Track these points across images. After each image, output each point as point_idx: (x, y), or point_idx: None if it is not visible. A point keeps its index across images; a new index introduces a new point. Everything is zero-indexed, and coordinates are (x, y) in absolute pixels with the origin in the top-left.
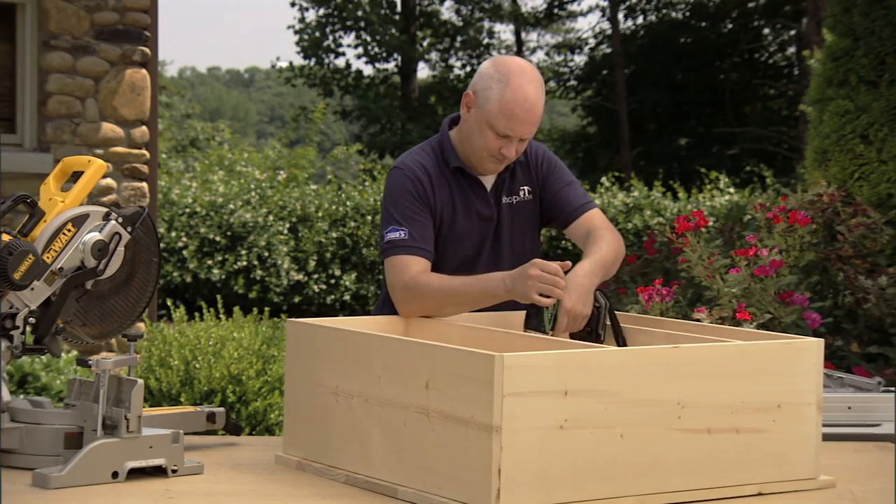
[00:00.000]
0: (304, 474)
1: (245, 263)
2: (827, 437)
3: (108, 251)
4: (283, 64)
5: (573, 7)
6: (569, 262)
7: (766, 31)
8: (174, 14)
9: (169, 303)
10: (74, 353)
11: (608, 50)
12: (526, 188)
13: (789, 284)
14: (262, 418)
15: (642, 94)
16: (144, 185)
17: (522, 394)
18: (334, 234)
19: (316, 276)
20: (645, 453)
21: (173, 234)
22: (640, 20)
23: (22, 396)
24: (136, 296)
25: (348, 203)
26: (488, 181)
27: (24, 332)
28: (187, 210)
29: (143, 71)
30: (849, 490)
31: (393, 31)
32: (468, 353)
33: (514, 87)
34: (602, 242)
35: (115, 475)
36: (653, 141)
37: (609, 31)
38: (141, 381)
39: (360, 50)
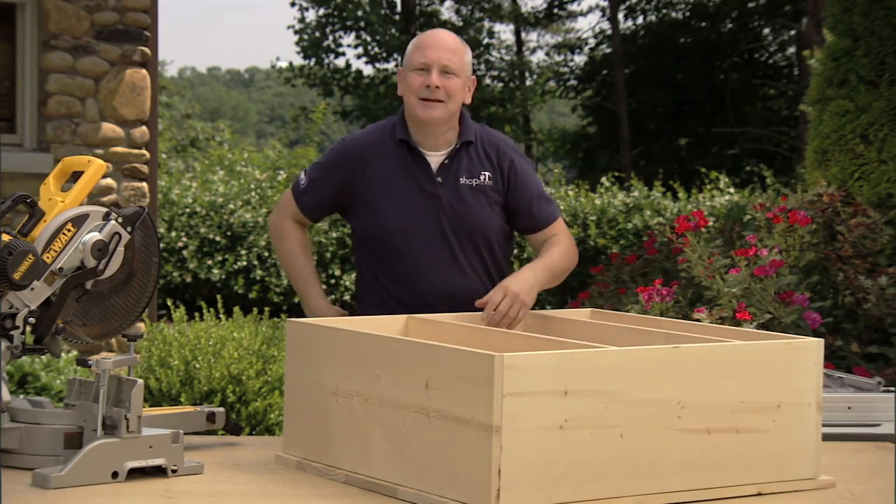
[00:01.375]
0: (304, 474)
1: (245, 263)
2: (827, 437)
3: (108, 251)
4: (283, 64)
5: (573, 7)
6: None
7: (766, 31)
8: (174, 14)
9: (169, 303)
10: (74, 353)
11: (608, 50)
12: (486, 174)
13: (789, 284)
14: (262, 418)
15: (642, 94)
16: (144, 185)
17: (522, 394)
18: (334, 234)
19: None
20: (645, 453)
21: (173, 234)
22: (640, 20)
23: (22, 396)
24: (136, 296)
25: None
26: (435, 159)
27: (24, 332)
28: (187, 210)
29: (143, 71)
30: (849, 490)
31: (393, 31)
32: (468, 353)
33: (423, 33)
34: (554, 249)
35: (115, 475)
36: (653, 141)
37: (609, 31)
38: (141, 381)
39: (360, 50)
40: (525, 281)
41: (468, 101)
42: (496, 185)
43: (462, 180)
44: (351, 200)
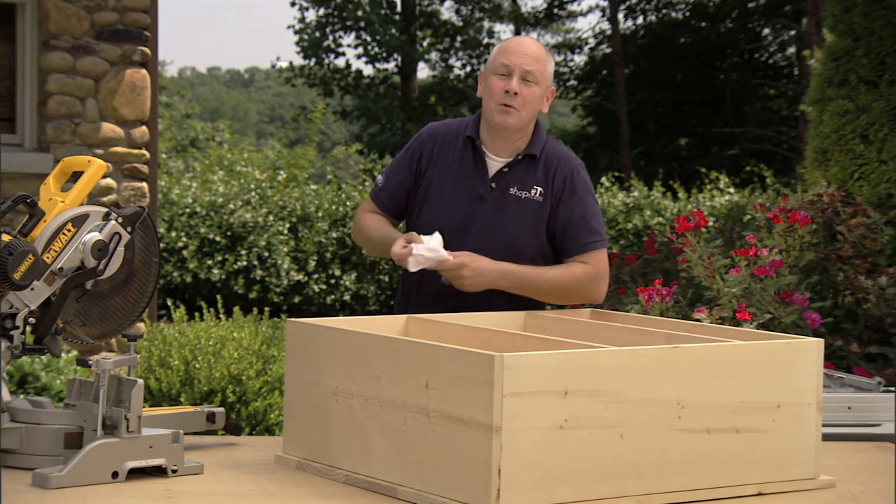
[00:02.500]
0: (304, 474)
1: (245, 263)
2: (827, 437)
3: (108, 251)
4: (283, 64)
5: (573, 7)
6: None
7: (766, 31)
8: (174, 14)
9: (169, 303)
10: (74, 353)
11: (608, 50)
12: (539, 189)
13: (789, 284)
14: (262, 418)
15: (642, 94)
16: (144, 185)
17: (522, 394)
18: (334, 234)
19: (316, 276)
20: (645, 453)
21: (173, 234)
22: (640, 20)
23: (22, 396)
24: (136, 296)
25: (348, 203)
26: (495, 164)
27: (24, 332)
28: (187, 210)
29: (143, 71)
30: (849, 490)
31: (393, 31)
32: (468, 353)
33: (509, 38)
34: (558, 268)
35: (115, 475)
36: (653, 141)
37: (609, 31)
38: (141, 381)
39: (360, 50)
40: (486, 269)
41: (545, 110)
42: (545, 202)
43: (512, 191)
44: (417, 189)
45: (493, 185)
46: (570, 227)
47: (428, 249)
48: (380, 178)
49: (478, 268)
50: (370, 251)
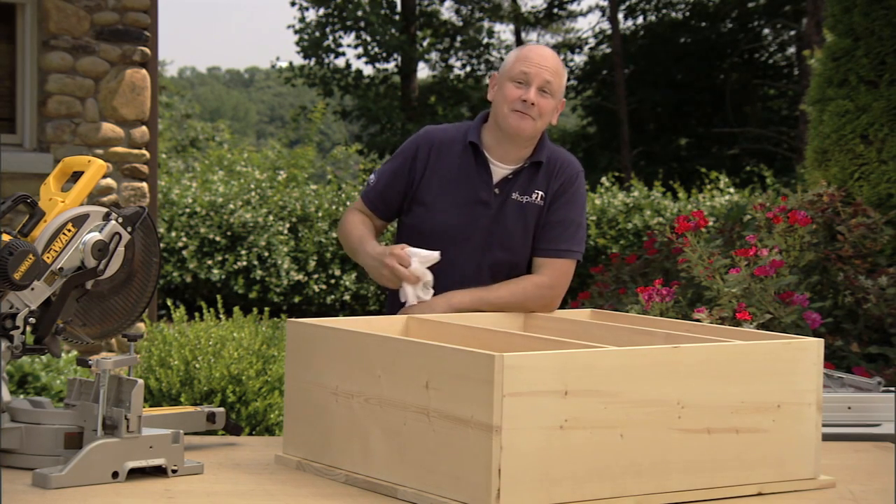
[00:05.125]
0: (304, 474)
1: (245, 263)
2: (827, 437)
3: (108, 251)
4: (283, 64)
5: (573, 7)
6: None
7: (766, 31)
8: (174, 14)
9: (169, 303)
10: (74, 353)
11: (608, 50)
12: (539, 193)
13: (789, 284)
14: (262, 418)
15: (642, 94)
16: (144, 185)
17: (522, 394)
18: (334, 234)
19: (316, 276)
20: (645, 453)
21: (173, 234)
22: (640, 20)
23: (22, 396)
24: (136, 296)
25: (348, 203)
26: (500, 171)
27: (24, 332)
28: (187, 210)
29: (143, 71)
30: (849, 490)
31: (393, 31)
32: (468, 353)
33: (528, 45)
34: (510, 285)
35: (115, 475)
36: (653, 141)
37: (609, 31)
38: (141, 381)
39: (360, 50)
40: (459, 303)
41: (555, 122)
42: (544, 205)
43: (514, 196)
44: (412, 193)
45: (497, 190)
46: (549, 228)
47: (422, 289)
48: (372, 177)
49: (450, 305)
50: (346, 250)
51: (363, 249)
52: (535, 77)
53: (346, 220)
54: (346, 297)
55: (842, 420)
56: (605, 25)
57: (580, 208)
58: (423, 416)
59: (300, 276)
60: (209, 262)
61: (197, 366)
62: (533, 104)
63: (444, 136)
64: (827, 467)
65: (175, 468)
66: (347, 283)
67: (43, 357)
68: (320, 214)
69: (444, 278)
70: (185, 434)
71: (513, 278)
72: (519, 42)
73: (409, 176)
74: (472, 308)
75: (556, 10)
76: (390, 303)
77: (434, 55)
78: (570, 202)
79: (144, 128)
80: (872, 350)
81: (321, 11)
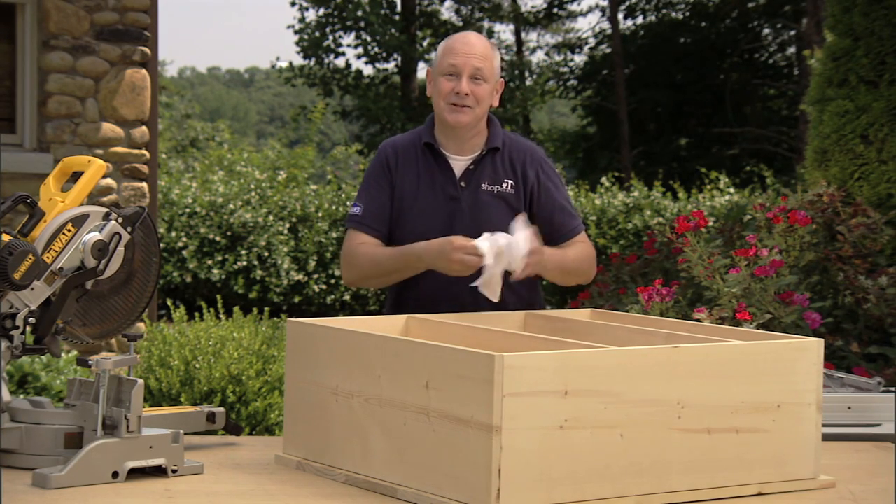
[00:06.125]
0: (304, 474)
1: (245, 263)
2: (827, 437)
3: (108, 251)
4: (283, 64)
5: (573, 7)
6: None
7: (766, 31)
8: (174, 14)
9: (169, 303)
10: (74, 353)
11: (608, 50)
12: (509, 181)
13: (789, 284)
14: (262, 418)
15: (642, 94)
16: (144, 185)
17: (522, 394)
18: (334, 234)
19: (316, 276)
20: (645, 453)
21: (173, 234)
22: (640, 20)
23: (22, 396)
24: (136, 296)
25: (348, 203)
26: (460, 164)
27: (24, 332)
28: (187, 210)
29: (143, 71)
30: (849, 490)
31: (393, 31)
32: (468, 353)
33: (453, 35)
34: (569, 249)
35: (115, 475)
36: (653, 141)
37: (609, 31)
38: (141, 381)
39: (360, 50)
40: (547, 258)
41: (496, 103)
42: (518, 194)
43: (484, 186)
44: (393, 201)
45: (463, 183)
46: (555, 216)
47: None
48: (355, 208)
49: (542, 257)
50: (383, 283)
51: (405, 259)
52: (463, 67)
53: (356, 254)
54: (346, 297)
55: (842, 420)
56: (605, 25)
57: (562, 184)
58: (423, 416)
59: (300, 276)
60: (209, 262)
61: (197, 366)
62: (467, 94)
63: (402, 142)
64: (827, 467)
65: (175, 468)
66: None
67: (43, 357)
68: (320, 214)
69: (436, 277)
70: (185, 434)
71: (562, 246)
72: (519, 42)
73: (390, 188)
74: (555, 261)
75: (556, 10)
76: (390, 303)
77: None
78: (556, 186)
79: (144, 128)
80: (872, 350)
81: (321, 11)
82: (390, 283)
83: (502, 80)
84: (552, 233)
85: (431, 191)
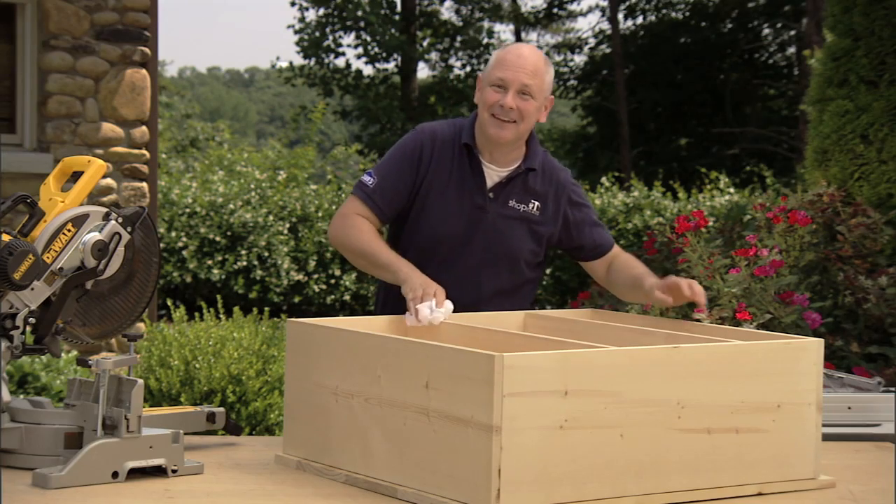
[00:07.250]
0: (304, 474)
1: (245, 263)
2: (827, 437)
3: (108, 251)
4: (283, 64)
5: (573, 7)
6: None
7: (766, 31)
8: (174, 14)
9: (169, 303)
10: (74, 353)
11: (608, 50)
12: (536, 203)
13: (789, 284)
14: (262, 418)
15: (642, 94)
16: (144, 185)
17: (522, 394)
18: None
19: (316, 276)
20: (645, 453)
21: (173, 234)
22: (640, 20)
23: (22, 396)
24: (136, 296)
25: None
26: (494, 173)
27: (24, 332)
28: (187, 210)
29: (143, 71)
30: (849, 490)
31: (393, 31)
32: (468, 353)
33: (508, 47)
34: (638, 263)
35: (115, 475)
36: (653, 141)
37: (609, 31)
38: (141, 381)
39: (360, 50)
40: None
41: (543, 119)
42: (543, 217)
43: (511, 203)
44: (415, 195)
45: (492, 195)
46: (595, 235)
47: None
48: (368, 178)
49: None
50: (359, 266)
51: (390, 268)
52: (512, 82)
53: (353, 225)
54: (346, 297)
55: (842, 420)
56: (605, 25)
57: (589, 207)
58: (423, 416)
59: (300, 276)
60: (209, 262)
61: (197, 366)
62: (512, 108)
63: (440, 136)
64: (827, 467)
65: (175, 468)
66: (347, 283)
67: (43, 357)
68: (320, 214)
69: (444, 283)
70: (185, 434)
71: (632, 268)
72: (519, 42)
73: (416, 176)
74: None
75: (556, 10)
76: (381, 302)
77: (434, 55)
78: (585, 205)
79: (144, 128)
80: (872, 350)
81: (321, 11)
82: (364, 271)
83: (552, 97)
84: (594, 248)
85: (459, 194)
